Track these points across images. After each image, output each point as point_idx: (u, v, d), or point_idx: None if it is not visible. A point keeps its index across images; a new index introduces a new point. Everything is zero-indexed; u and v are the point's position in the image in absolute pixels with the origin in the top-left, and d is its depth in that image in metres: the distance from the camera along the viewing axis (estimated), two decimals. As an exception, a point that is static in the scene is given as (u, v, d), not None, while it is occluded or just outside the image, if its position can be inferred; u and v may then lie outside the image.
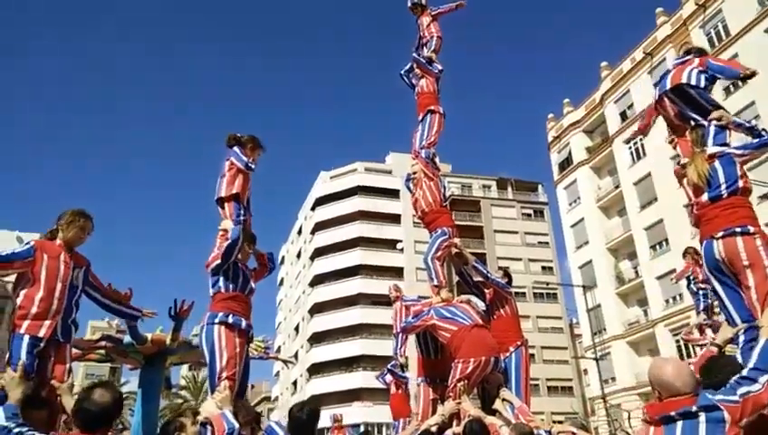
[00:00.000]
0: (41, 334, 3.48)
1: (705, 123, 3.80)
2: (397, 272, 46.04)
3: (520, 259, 47.11)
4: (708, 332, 7.70)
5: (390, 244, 47.63)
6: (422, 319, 5.28)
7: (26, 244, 3.69)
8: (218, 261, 4.26)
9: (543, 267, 48.04)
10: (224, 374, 3.89)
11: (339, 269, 46.94)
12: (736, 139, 3.90)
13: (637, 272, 33.26)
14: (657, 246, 31.37)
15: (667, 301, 30.08)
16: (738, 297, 3.43)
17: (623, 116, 34.78)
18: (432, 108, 6.50)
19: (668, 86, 3.97)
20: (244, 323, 4.17)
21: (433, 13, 7.44)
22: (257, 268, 4.74)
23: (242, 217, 4.63)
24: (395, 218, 48.58)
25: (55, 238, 3.83)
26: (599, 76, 37.10)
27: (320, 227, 49.80)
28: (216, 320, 4.09)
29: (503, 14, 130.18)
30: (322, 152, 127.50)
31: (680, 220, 29.72)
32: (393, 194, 48.71)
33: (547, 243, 50.01)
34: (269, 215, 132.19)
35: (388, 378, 8.90)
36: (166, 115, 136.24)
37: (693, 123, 3.89)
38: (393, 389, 8.65)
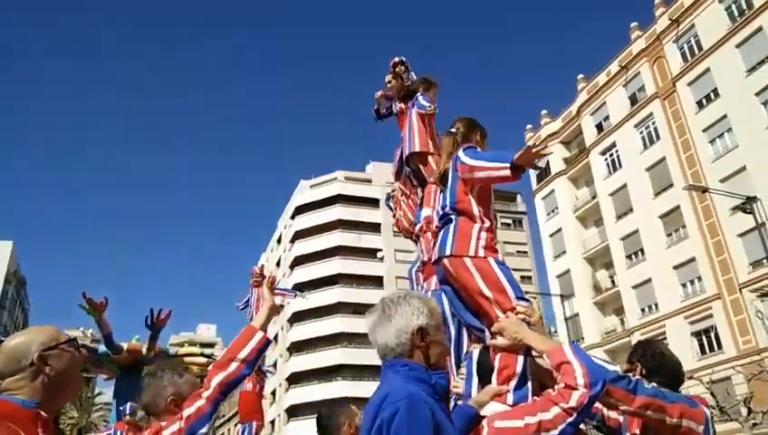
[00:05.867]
0: None
1: None
2: (377, 281, 45.96)
3: (499, 268, 47.38)
4: None
5: (370, 253, 47.55)
6: None
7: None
8: None
9: (522, 276, 48.29)
10: None
11: (318, 278, 46.70)
12: None
13: (613, 281, 33.70)
14: (633, 256, 31.84)
15: (642, 310, 30.50)
16: None
17: (599, 127, 35.37)
18: None
19: None
20: None
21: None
22: None
23: None
24: (375, 227, 48.56)
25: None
26: (575, 88, 37.76)
27: (299, 235, 49.57)
28: None
29: (483, 28, 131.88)
30: (303, 161, 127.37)
31: (655, 230, 30.29)
32: (373, 203, 48.69)
33: (526, 252, 50.46)
34: (248, 223, 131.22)
35: None
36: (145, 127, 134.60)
37: None
38: (248, 385, 7.21)
